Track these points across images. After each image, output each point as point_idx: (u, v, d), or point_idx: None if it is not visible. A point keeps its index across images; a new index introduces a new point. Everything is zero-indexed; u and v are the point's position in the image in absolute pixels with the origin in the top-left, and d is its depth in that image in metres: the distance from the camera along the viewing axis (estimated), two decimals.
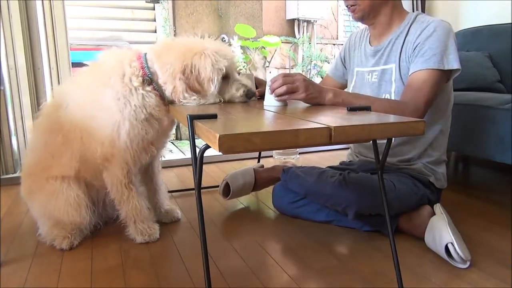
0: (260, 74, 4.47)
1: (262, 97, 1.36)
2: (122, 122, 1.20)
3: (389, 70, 1.41)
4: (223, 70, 1.22)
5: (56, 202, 1.28)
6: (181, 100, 1.22)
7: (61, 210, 1.28)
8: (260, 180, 1.71)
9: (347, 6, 1.43)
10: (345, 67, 1.68)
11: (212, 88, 1.21)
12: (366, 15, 1.41)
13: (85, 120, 1.24)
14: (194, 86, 1.20)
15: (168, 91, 1.24)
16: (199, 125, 0.81)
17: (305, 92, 1.16)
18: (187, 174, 2.28)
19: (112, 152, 1.24)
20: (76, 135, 1.26)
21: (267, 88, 1.20)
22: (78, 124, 1.25)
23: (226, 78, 1.27)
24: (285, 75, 1.17)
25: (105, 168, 1.28)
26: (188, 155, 2.98)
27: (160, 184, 1.53)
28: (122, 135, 1.21)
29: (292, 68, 5.10)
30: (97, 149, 1.24)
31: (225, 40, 4.15)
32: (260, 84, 1.48)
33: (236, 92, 1.28)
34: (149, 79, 1.24)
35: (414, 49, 1.33)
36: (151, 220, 1.38)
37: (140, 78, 1.23)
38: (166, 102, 1.28)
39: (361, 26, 1.54)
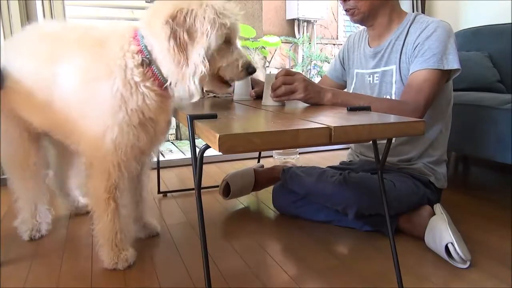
0: (260, 74, 4.47)
1: (259, 97, 1.36)
2: (111, 127, 1.02)
3: (390, 72, 1.41)
4: (227, 25, 0.96)
5: None
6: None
7: None
8: (260, 180, 1.71)
9: (345, 10, 1.43)
10: (344, 68, 1.68)
11: (205, 43, 0.94)
12: (365, 18, 1.42)
13: (75, 105, 1.05)
14: (181, 37, 0.93)
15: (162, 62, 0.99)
16: (199, 125, 0.81)
17: (303, 93, 1.16)
18: (187, 174, 2.28)
19: (96, 155, 1.07)
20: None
21: (265, 87, 1.21)
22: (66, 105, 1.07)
23: (226, 43, 1.01)
24: (286, 74, 1.17)
25: (88, 175, 1.12)
26: (188, 155, 2.98)
27: (144, 196, 1.37)
28: (107, 141, 1.02)
29: (292, 68, 5.10)
30: (79, 143, 1.10)
31: None
32: (256, 84, 1.47)
33: (236, 61, 1.02)
34: (147, 60, 1.02)
35: (414, 49, 1.33)
36: (127, 243, 1.19)
37: (141, 69, 1.01)
38: (164, 89, 1.05)
39: (361, 26, 1.54)
